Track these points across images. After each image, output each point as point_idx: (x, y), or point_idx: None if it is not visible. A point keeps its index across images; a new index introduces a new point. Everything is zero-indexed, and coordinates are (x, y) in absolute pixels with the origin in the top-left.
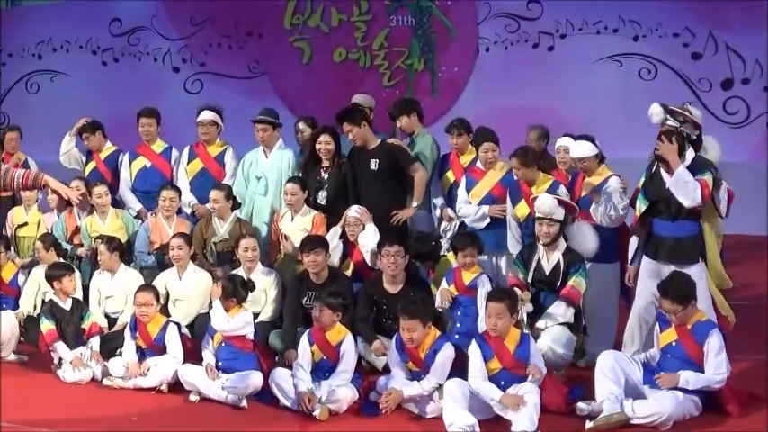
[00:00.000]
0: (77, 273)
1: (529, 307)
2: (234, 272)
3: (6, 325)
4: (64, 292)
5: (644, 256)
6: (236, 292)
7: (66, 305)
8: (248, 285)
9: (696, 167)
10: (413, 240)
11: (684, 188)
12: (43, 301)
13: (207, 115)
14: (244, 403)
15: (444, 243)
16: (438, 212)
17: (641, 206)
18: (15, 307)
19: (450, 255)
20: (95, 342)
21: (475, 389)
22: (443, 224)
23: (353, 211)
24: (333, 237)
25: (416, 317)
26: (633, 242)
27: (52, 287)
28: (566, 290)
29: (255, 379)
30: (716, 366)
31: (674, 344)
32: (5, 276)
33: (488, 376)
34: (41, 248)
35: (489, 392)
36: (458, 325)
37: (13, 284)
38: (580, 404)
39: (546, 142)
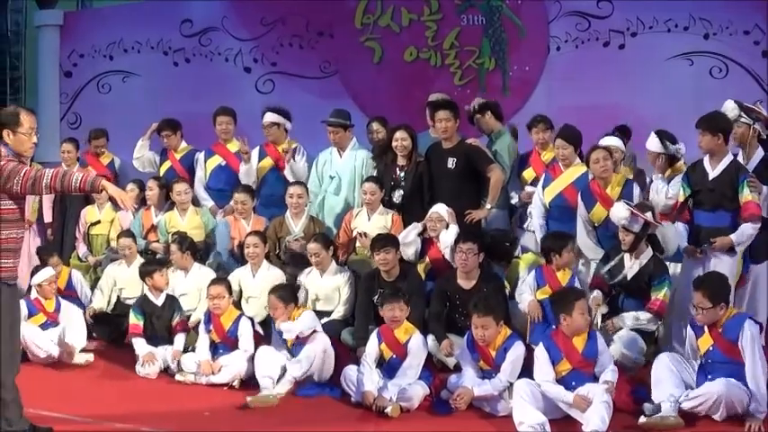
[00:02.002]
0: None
1: (604, 308)
2: (305, 272)
3: (78, 326)
4: (156, 288)
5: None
6: (292, 297)
7: (159, 300)
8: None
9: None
10: (488, 239)
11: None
12: (118, 298)
13: (267, 117)
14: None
15: (524, 238)
16: (516, 200)
17: (683, 192)
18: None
19: (526, 256)
20: (180, 339)
21: (544, 391)
22: (527, 221)
23: (443, 210)
24: (411, 231)
25: (490, 314)
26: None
27: (145, 283)
28: (657, 305)
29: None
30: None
31: (711, 349)
32: (60, 283)
33: (558, 378)
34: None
35: (560, 395)
36: (553, 327)
37: (70, 287)
38: (647, 405)
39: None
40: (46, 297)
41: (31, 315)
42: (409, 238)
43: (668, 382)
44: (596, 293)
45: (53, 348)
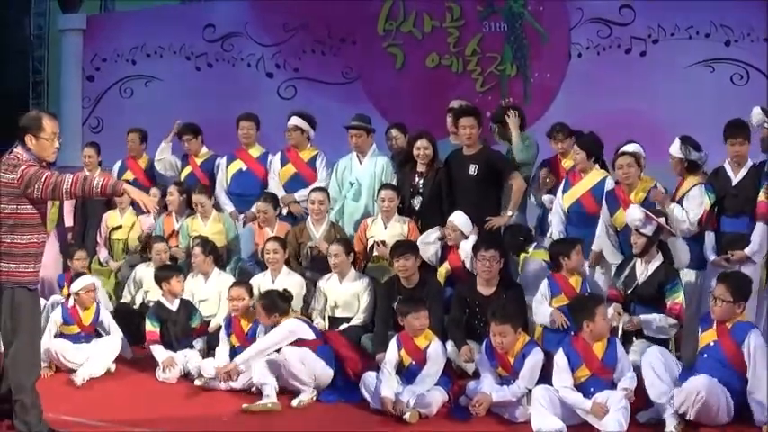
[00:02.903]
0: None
1: (625, 317)
2: (324, 278)
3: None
4: (172, 293)
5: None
6: (275, 306)
7: (174, 306)
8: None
9: None
10: (504, 232)
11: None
12: (143, 299)
13: (292, 121)
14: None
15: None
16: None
17: (708, 200)
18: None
19: (536, 252)
20: (200, 342)
21: (563, 397)
22: (549, 231)
23: (459, 222)
24: (432, 234)
25: (508, 322)
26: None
27: (161, 288)
28: (677, 309)
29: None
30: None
31: (711, 344)
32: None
33: (577, 384)
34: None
35: (578, 402)
36: (572, 334)
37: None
38: (641, 414)
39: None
40: (84, 306)
41: (65, 323)
42: (430, 238)
43: (662, 381)
44: (615, 306)
45: (92, 370)
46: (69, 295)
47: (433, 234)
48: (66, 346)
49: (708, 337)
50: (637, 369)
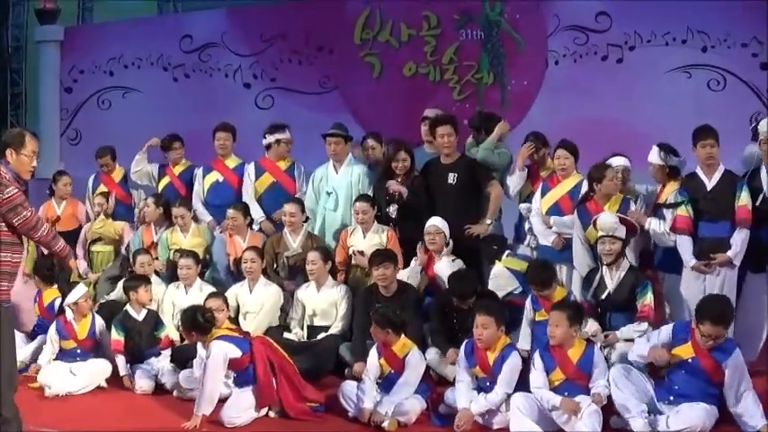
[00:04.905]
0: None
1: (601, 337)
2: (302, 287)
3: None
4: (139, 303)
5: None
6: (194, 324)
7: (140, 316)
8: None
9: None
10: (480, 242)
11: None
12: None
13: (285, 134)
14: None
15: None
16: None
17: (684, 206)
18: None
19: (508, 259)
20: (166, 354)
21: (534, 395)
22: (526, 239)
23: (440, 222)
24: (413, 269)
25: (492, 315)
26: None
27: (128, 298)
28: (644, 310)
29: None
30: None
31: (690, 360)
32: (45, 299)
33: (552, 388)
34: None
35: (549, 398)
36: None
37: (49, 310)
38: (615, 419)
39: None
40: (82, 314)
41: (61, 337)
42: (413, 272)
43: (633, 398)
44: (591, 324)
45: (72, 386)
46: (63, 310)
47: (414, 269)
48: (57, 371)
49: (684, 352)
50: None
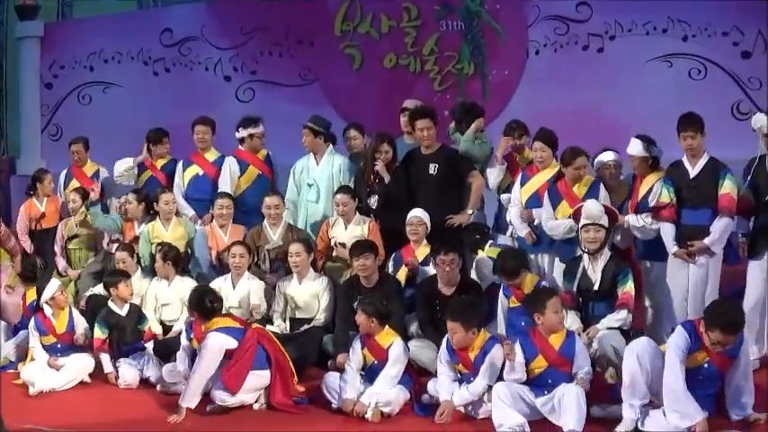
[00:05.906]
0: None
1: (584, 337)
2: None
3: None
4: (120, 298)
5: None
6: (199, 305)
7: (123, 311)
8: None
9: None
10: (462, 230)
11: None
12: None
13: (259, 128)
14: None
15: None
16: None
17: (667, 193)
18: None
19: (490, 249)
20: (149, 347)
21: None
22: (508, 230)
23: (421, 212)
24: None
25: (458, 320)
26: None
27: (109, 293)
28: (624, 297)
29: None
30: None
31: (705, 365)
32: (28, 299)
33: (535, 375)
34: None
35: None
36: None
37: (30, 309)
38: (595, 408)
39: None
40: (60, 307)
41: (40, 333)
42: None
43: (642, 382)
44: (572, 320)
45: (55, 382)
46: (40, 307)
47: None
48: (36, 371)
49: (701, 358)
50: (616, 357)
